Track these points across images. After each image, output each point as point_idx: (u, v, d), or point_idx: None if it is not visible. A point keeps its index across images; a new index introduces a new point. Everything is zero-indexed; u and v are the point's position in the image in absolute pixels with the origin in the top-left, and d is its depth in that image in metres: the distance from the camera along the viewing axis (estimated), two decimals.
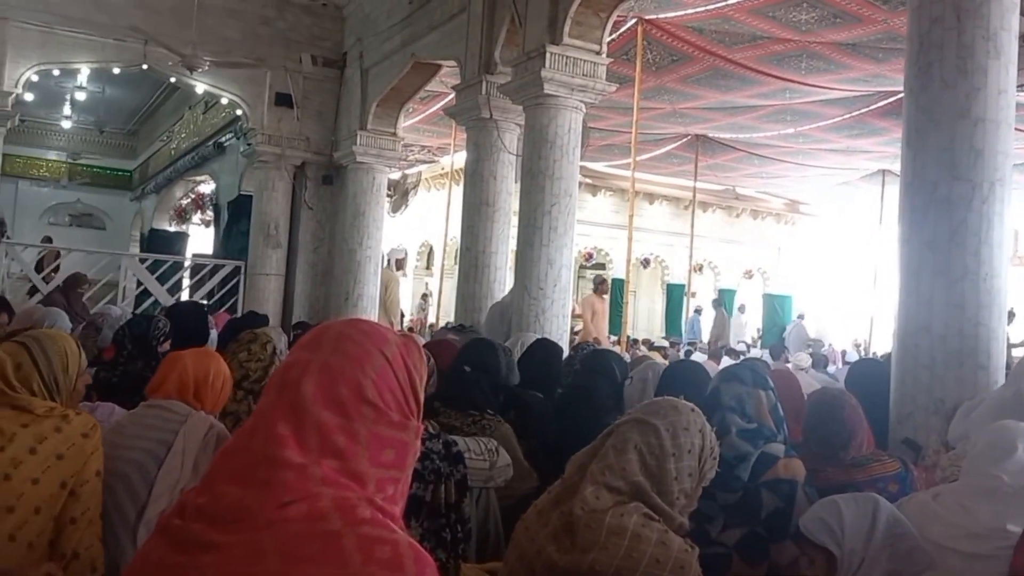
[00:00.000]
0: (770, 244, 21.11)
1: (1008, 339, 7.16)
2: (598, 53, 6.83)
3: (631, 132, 8.90)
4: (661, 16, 8.18)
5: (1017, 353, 6.88)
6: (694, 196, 14.77)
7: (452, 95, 8.48)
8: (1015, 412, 2.76)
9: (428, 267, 19.33)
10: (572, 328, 12.96)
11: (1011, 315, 9.96)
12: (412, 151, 15.07)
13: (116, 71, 10.98)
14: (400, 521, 1.07)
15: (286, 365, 1.10)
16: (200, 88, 11.24)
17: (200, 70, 8.96)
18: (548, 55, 6.58)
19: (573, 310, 16.66)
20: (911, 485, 2.66)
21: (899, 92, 4.06)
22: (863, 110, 10.83)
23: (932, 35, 3.76)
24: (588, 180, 17.32)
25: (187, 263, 13.14)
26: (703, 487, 1.89)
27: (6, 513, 1.96)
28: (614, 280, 18.05)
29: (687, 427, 1.84)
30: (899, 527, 1.91)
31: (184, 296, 11.85)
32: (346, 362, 1.07)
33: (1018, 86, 3.85)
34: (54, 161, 22.04)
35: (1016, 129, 3.87)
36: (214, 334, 5.75)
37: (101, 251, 13.83)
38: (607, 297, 11.25)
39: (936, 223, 3.66)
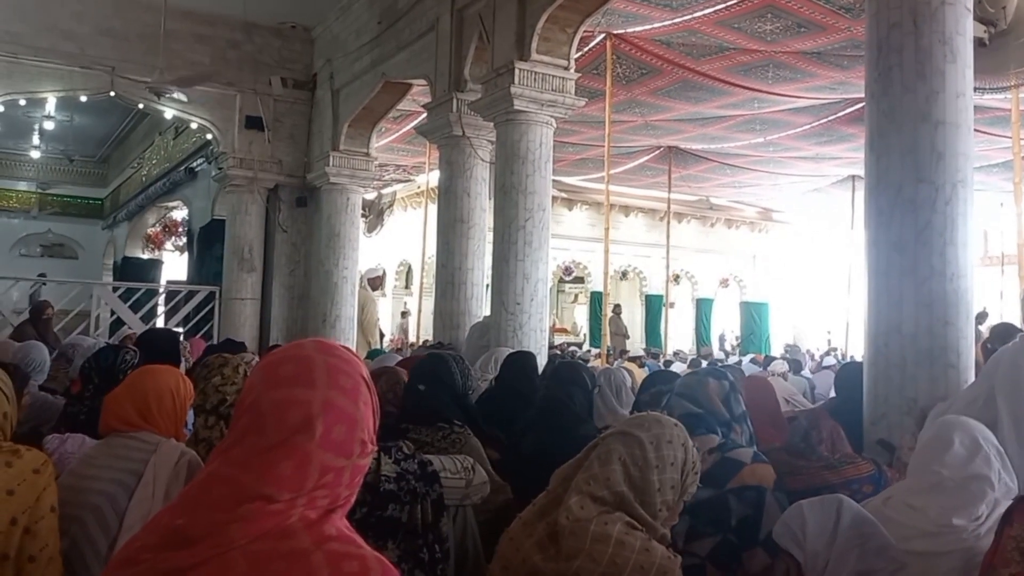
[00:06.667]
0: (745, 252, 21.28)
1: (981, 337, 7.23)
2: (566, 68, 6.89)
3: (604, 146, 8.95)
4: (629, 31, 8.26)
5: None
6: (668, 207, 14.87)
7: (424, 114, 8.50)
8: (986, 410, 2.78)
9: (407, 286, 19.27)
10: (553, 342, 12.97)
11: (984, 315, 10.04)
12: (387, 171, 15.06)
13: (84, 99, 10.91)
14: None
15: (282, 402, 1.07)
16: (169, 114, 11.19)
17: (168, 95, 8.91)
18: (517, 71, 6.62)
19: (553, 324, 16.70)
20: (885, 487, 2.66)
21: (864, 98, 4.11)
22: (830, 117, 10.95)
23: (891, 40, 3.81)
24: (563, 194, 17.39)
25: (161, 290, 13.02)
26: (684, 502, 1.90)
27: None
28: (593, 293, 18.13)
29: (670, 440, 1.86)
30: (867, 526, 1.91)
31: (159, 323, 11.73)
32: (347, 400, 1.09)
33: (975, 89, 3.91)
34: (24, 192, 21.83)
35: (976, 131, 3.93)
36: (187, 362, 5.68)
37: (72, 281, 13.65)
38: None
39: (902, 225, 3.71)
